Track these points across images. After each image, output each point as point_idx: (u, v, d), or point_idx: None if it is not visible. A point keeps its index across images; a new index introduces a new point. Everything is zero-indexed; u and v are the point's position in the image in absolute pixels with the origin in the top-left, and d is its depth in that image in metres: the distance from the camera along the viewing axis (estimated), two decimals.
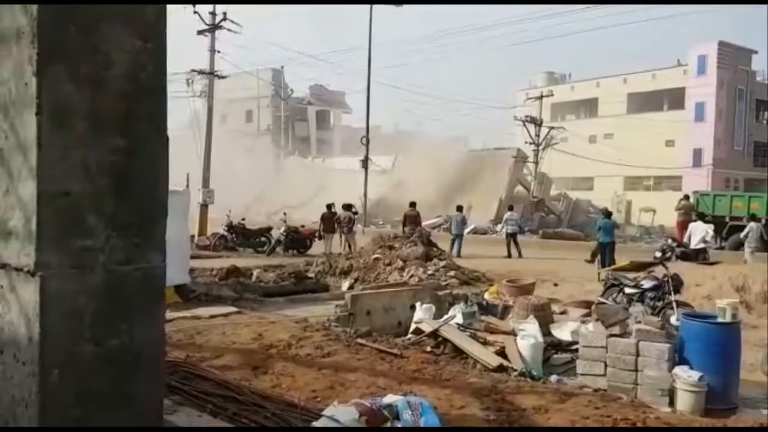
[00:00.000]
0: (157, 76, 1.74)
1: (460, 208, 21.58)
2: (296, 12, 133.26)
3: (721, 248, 21.44)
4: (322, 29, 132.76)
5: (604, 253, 17.01)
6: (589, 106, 49.90)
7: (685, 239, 17.39)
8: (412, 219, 19.43)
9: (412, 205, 20.45)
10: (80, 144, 1.61)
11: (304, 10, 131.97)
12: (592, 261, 18.13)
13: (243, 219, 22.04)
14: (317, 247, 19.70)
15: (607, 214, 18.64)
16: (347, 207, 20.26)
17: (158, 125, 1.77)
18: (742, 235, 17.56)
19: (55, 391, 1.56)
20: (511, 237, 20.95)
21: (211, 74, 23.85)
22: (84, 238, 1.62)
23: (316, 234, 20.16)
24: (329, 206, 20.68)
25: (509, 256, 20.27)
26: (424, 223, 21.14)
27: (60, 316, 1.57)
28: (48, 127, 1.56)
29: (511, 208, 22.98)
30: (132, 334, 1.69)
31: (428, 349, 7.36)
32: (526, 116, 37.07)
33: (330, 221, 20.20)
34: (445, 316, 8.17)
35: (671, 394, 6.06)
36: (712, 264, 14.05)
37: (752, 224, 17.68)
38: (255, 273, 14.00)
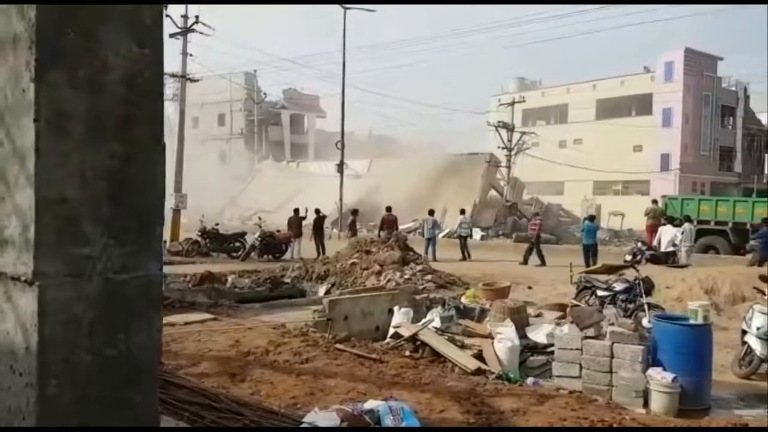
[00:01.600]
0: (154, 81, 1.73)
1: (431, 212, 21.71)
2: (270, 16, 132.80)
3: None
4: (296, 33, 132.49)
5: (588, 254, 17.97)
6: (559, 112, 50.62)
7: (655, 242, 17.77)
8: (389, 223, 19.54)
9: (389, 209, 20.59)
10: (78, 150, 1.59)
11: (277, 14, 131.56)
12: (538, 261, 19.00)
13: (216, 224, 21.83)
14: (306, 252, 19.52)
15: (591, 217, 19.89)
16: (354, 212, 20.63)
17: (155, 131, 1.75)
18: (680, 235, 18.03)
19: (53, 401, 1.54)
20: (463, 240, 21.48)
21: (184, 78, 23.60)
22: (81, 246, 1.60)
23: (291, 239, 20.12)
24: (296, 210, 20.75)
25: (464, 258, 20.68)
26: (399, 228, 21.26)
27: (58, 326, 1.55)
28: (46, 134, 1.53)
29: (462, 212, 23.18)
30: (129, 343, 1.67)
31: (407, 353, 7.37)
32: (499, 122, 37.45)
33: (297, 225, 20.24)
34: (423, 320, 8.20)
35: (645, 396, 6.18)
36: (681, 267, 14.38)
37: (686, 225, 18.35)
38: (230, 279, 13.86)
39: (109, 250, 1.64)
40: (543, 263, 19.06)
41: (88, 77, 1.60)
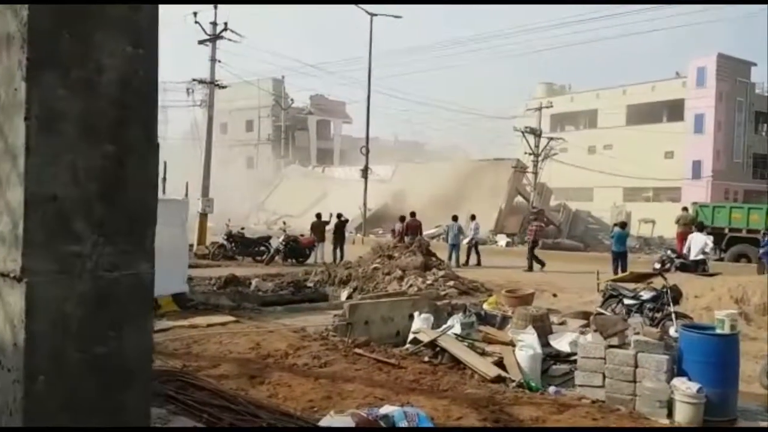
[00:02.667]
0: (148, 82, 1.73)
1: (455, 218, 21.60)
2: (297, 22, 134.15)
3: (720, 260, 21.42)
4: (323, 39, 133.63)
5: (617, 262, 17.57)
6: (588, 117, 50.00)
7: (685, 250, 17.39)
8: (413, 229, 19.51)
9: (413, 214, 20.57)
10: (69, 149, 1.60)
11: (303, 20, 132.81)
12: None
13: (242, 228, 22.06)
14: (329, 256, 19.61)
15: (622, 224, 19.34)
16: (402, 219, 20.73)
17: (149, 131, 1.76)
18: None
19: (40, 398, 1.55)
20: (475, 245, 21.48)
21: (212, 84, 23.92)
22: (71, 244, 1.61)
23: (314, 243, 20.24)
24: (318, 215, 20.90)
25: (478, 263, 20.67)
26: (423, 233, 21.20)
27: (46, 323, 1.56)
28: (37, 132, 1.55)
29: (473, 218, 22.86)
30: (119, 342, 1.68)
31: (426, 359, 7.33)
32: (526, 127, 37.09)
33: (320, 230, 20.35)
34: (444, 326, 8.14)
35: (670, 406, 6.02)
36: (711, 275, 14.03)
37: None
38: (254, 282, 13.97)
39: (100, 249, 1.65)
40: (530, 269, 19.08)
41: (82, 78, 1.62)
